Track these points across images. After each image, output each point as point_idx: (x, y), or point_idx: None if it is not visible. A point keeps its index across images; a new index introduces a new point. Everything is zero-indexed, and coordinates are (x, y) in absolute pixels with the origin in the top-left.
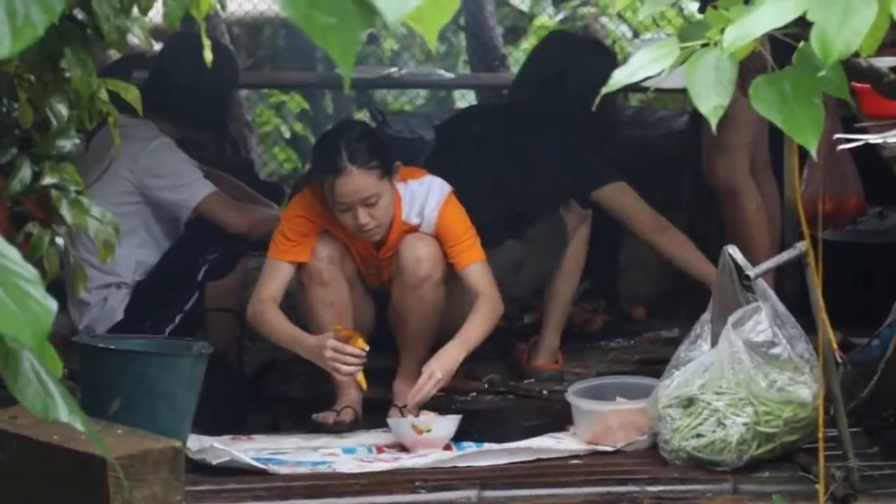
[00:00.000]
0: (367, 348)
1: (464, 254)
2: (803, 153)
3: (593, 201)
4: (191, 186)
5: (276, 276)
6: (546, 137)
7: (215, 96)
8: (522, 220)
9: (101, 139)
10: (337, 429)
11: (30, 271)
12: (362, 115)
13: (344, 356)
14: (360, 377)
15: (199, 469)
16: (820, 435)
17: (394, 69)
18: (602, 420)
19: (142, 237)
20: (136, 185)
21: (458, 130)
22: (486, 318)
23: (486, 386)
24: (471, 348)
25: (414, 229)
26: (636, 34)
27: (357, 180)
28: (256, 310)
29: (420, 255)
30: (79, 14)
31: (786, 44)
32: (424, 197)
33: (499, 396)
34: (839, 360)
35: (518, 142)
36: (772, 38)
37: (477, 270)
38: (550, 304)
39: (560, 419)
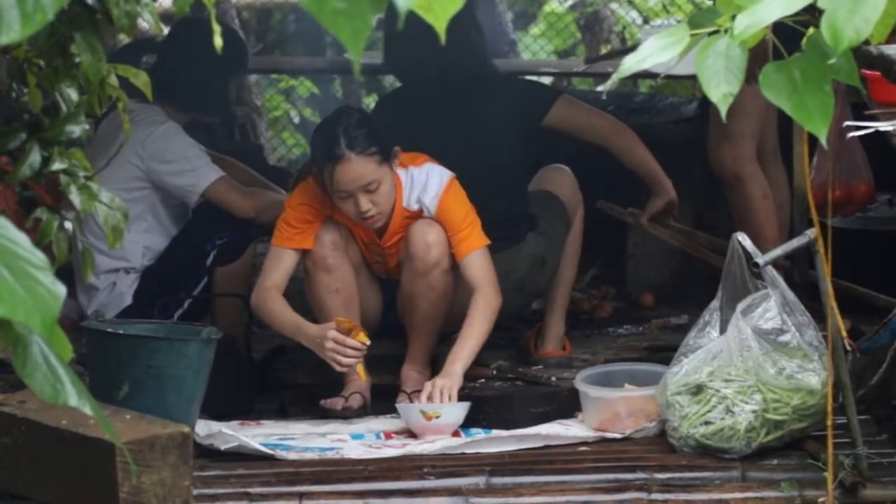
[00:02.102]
0: (368, 342)
1: (462, 243)
2: (813, 141)
3: (546, 127)
4: (198, 171)
5: (279, 264)
6: (466, 93)
7: (224, 82)
8: (517, 190)
9: (109, 125)
10: (345, 414)
11: (38, 257)
12: (371, 101)
13: (344, 348)
14: (360, 368)
15: (208, 454)
16: (829, 422)
17: None
18: (610, 407)
19: (149, 222)
20: (144, 171)
21: (396, 128)
22: (483, 320)
23: (495, 373)
24: (472, 357)
25: (415, 216)
26: (646, 20)
27: (356, 167)
28: (260, 298)
29: (430, 241)
30: None
31: (787, 28)
32: (424, 184)
33: (507, 383)
34: (848, 348)
35: (450, 112)
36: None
37: (475, 259)
38: (555, 290)
39: (568, 406)
